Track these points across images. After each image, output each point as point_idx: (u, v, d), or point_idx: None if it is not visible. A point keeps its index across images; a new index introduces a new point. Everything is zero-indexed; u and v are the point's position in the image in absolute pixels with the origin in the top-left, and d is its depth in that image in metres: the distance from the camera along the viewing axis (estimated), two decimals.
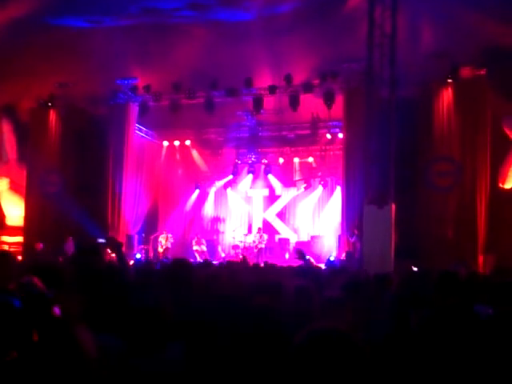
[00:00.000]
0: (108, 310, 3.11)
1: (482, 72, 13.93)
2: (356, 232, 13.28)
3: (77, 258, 4.56)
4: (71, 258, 4.70)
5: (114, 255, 6.53)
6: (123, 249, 15.54)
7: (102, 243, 11.01)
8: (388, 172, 10.44)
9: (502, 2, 13.68)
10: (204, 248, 18.48)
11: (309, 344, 1.70)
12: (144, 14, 16.58)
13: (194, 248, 18.35)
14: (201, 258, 17.66)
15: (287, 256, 18.13)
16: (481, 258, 13.06)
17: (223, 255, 18.98)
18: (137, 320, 2.45)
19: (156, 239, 18.19)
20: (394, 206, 10.35)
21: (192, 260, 15.71)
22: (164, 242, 17.92)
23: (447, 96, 14.09)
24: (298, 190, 19.83)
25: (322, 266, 11.73)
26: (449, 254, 12.33)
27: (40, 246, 14.61)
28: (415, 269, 9.78)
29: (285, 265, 11.19)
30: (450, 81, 14.05)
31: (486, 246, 13.27)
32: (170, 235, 18.21)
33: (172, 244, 18.08)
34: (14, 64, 16.21)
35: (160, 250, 17.72)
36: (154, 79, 16.65)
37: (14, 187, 18.50)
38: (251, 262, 12.88)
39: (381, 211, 10.06)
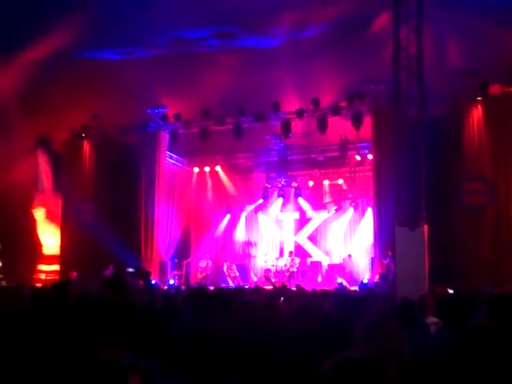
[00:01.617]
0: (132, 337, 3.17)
1: None
2: (390, 253, 13.14)
3: (104, 286, 4.70)
4: (101, 287, 4.85)
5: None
6: (156, 275, 15.69)
7: (130, 272, 11.25)
8: (419, 192, 10.33)
9: None
10: (236, 273, 18.54)
11: (334, 375, 1.71)
12: (172, 45, 16.99)
13: (226, 273, 18.43)
14: (233, 282, 17.70)
15: (320, 279, 18.02)
16: None
17: (255, 279, 18.98)
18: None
19: (189, 265, 18.33)
20: (426, 228, 10.22)
21: (224, 285, 15.80)
22: (204, 267, 18.12)
23: (477, 114, 13.95)
24: (328, 212, 19.77)
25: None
26: (485, 274, 12.08)
27: (74, 274, 14.78)
28: (451, 291, 9.62)
29: (317, 288, 11.13)
30: (479, 98, 13.92)
31: None
32: (209, 261, 18.33)
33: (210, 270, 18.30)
34: (49, 97, 16.70)
35: (199, 275, 17.86)
36: (183, 107, 16.97)
37: (49, 216, 18.90)
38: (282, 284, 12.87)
39: (413, 233, 9.94)
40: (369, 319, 3.68)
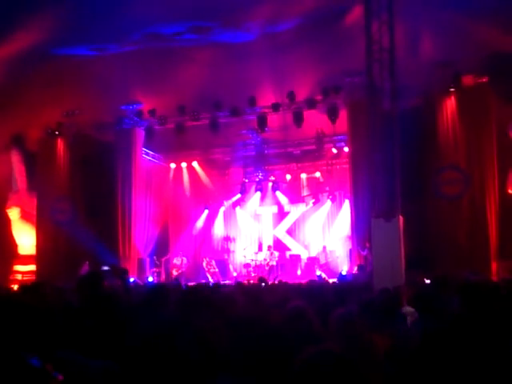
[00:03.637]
0: (107, 335, 3.14)
1: (484, 79, 13.95)
2: (367, 245, 13.24)
3: (78, 285, 4.63)
4: (75, 285, 4.77)
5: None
6: (135, 273, 15.51)
7: (105, 270, 11.11)
8: (394, 184, 10.42)
9: (502, 9, 13.75)
10: (215, 268, 18.51)
11: (304, 369, 1.71)
12: (146, 40, 16.81)
13: (206, 269, 18.38)
14: (213, 278, 17.68)
15: (299, 272, 18.10)
16: (494, 265, 12.96)
17: (235, 274, 18.99)
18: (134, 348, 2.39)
19: (168, 262, 18.21)
20: (401, 219, 10.32)
21: (204, 281, 15.76)
22: (179, 264, 17.97)
23: (450, 105, 14.11)
24: (306, 205, 19.84)
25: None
26: (461, 263, 12.25)
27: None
28: (427, 280, 9.72)
29: (296, 281, 11.19)
30: (452, 89, 14.08)
31: (498, 253, 13.18)
32: (184, 258, 18.21)
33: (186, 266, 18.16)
34: (21, 95, 16.44)
35: (174, 272, 17.73)
36: (158, 103, 16.84)
37: (24, 216, 18.62)
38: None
39: (389, 224, 10.03)
40: (342, 311, 3.70)
